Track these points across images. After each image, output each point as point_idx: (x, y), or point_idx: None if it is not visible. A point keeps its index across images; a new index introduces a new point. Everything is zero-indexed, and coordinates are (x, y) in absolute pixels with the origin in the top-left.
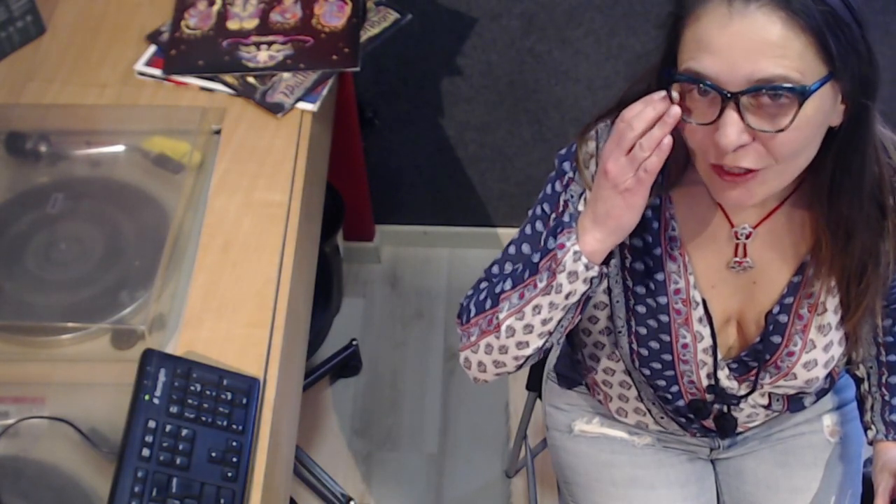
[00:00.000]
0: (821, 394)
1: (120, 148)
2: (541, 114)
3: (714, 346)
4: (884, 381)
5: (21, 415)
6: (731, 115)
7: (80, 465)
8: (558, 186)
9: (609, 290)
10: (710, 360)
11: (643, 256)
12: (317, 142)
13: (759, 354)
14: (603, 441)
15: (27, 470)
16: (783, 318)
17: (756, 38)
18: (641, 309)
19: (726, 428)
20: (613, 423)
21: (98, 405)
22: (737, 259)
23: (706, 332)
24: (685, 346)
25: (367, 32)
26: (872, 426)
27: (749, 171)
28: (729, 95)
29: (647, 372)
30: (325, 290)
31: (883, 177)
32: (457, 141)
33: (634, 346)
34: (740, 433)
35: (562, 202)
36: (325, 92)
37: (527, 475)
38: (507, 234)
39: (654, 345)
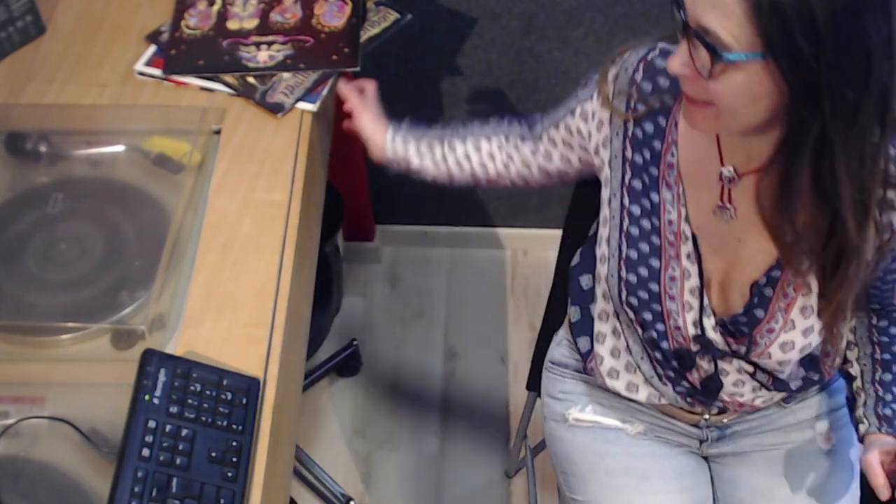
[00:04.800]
0: (808, 383)
1: (120, 148)
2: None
3: (701, 288)
4: (877, 377)
5: (21, 415)
6: (683, 44)
7: (80, 465)
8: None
9: (609, 204)
10: (696, 304)
11: (641, 174)
12: (317, 142)
13: (740, 327)
14: (597, 431)
15: (27, 470)
16: (768, 292)
17: None
18: (634, 231)
19: (711, 388)
20: (607, 411)
21: (98, 405)
22: (720, 203)
23: (694, 270)
24: (673, 278)
25: (368, 32)
26: (864, 420)
27: (705, 102)
28: (685, 25)
29: (635, 301)
30: (325, 290)
31: (876, 177)
32: None
33: (623, 272)
34: (727, 423)
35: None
36: (324, 92)
37: (527, 475)
38: (508, 234)
39: (643, 271)
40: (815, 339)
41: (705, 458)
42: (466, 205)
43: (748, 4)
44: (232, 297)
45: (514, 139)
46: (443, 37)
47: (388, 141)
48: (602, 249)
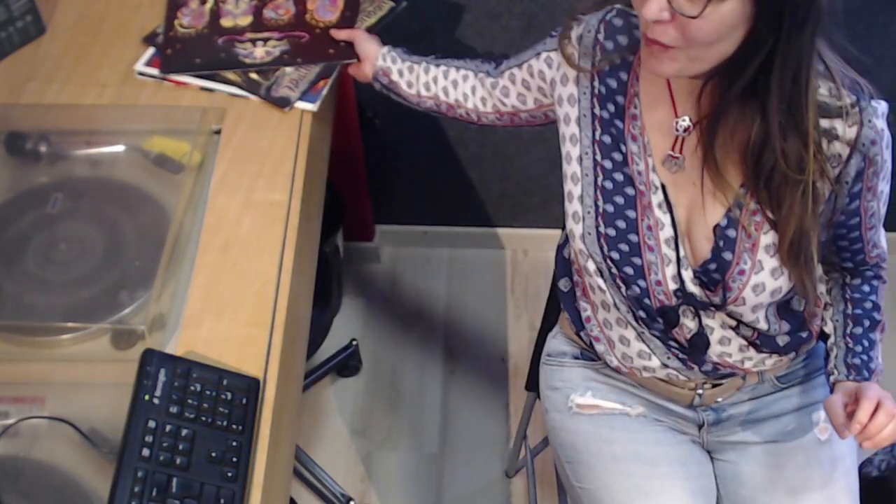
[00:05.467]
0: (797, 342)
1: (120, 148)
2: None
3: (675, 238)
4: (848, 331)
5: (21, 415)
6: None
7: (80, 465)
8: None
9: (580, 162)
10: (673, 257)
11: (609, 128)
12: (317, 142)
13: (711, 275)
14: (602, 418)
15: (27, 470)
16: (731, 233)
17: None
18: (608, 184)
19: (698, 344)
20: (606, 394)
21: (98, 405)
22: (671, 153)
23: (666, 219)
24: (649, 227)
25: (364, 23)
26: (835, 371)
27: (662, 44)
28: None
29: (616, 255)
30: (325, 290)
31: (807, 103)
32: (457, 141)
33: (602, 228)
34: (725, 411)
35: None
36: (324, 91)
37: (527, 475)
38: (508, 234)
39: (621, 223)
40: (784, 283)
41: (709, 452)
42: (466, 205)
43: None
44: (232, 297)
45: (480, 74)
46: (443, 37)
47: (380, 55)
48: (574, 206)
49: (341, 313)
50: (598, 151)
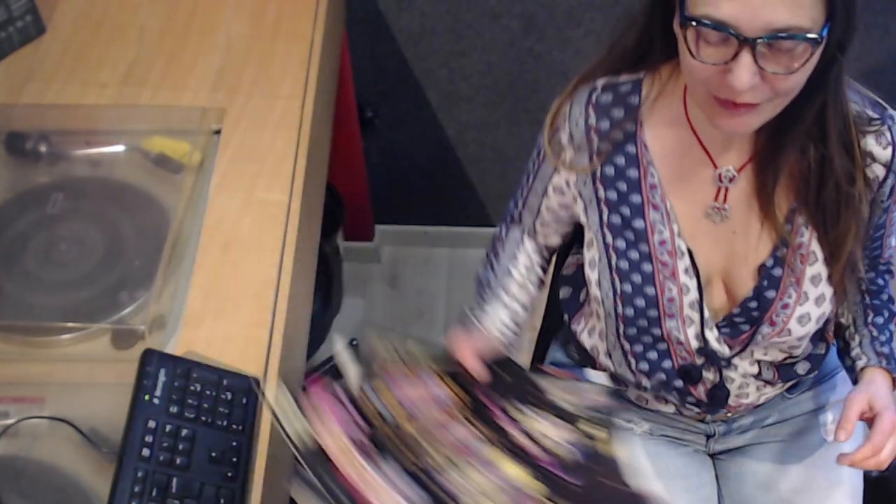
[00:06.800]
0: (814, 361)
1: (120, 148)
2: (541, 114)
3: (700, 300)
4: (870, 320)
5: (21, 415)
6: (746, 59)
7: (80, 465)
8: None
9: (593, 246)
10: (696, 318)
11: (619, 207)
12: (317, 142)
13: (751, 312)
14: None
15: (27, 470)
16: (777, 272)
17: None
18: (624, 265)
19: (718, 398)
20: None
21: (98, 405)
22: (716, 204)
23: (692, 284)
24: (671, 300)
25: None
26: (863, 356)
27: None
28: (745, 39)
29: (634, 332)
30: (325, 290)
31: (850, 120)
32: (457, 141)
33: (620, 308)
34: (732, 417)
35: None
36: None
37: None
38: None
39: (640, 302)
40: (828, 308)
41: (711, 456)
42: (466, 205)
43: None
44: (232, 297)
45: (522, 248)
46: (443, 37)
47: (496, 334)
48: (594, 291)
49: (341, 313)
50: (607, 233)
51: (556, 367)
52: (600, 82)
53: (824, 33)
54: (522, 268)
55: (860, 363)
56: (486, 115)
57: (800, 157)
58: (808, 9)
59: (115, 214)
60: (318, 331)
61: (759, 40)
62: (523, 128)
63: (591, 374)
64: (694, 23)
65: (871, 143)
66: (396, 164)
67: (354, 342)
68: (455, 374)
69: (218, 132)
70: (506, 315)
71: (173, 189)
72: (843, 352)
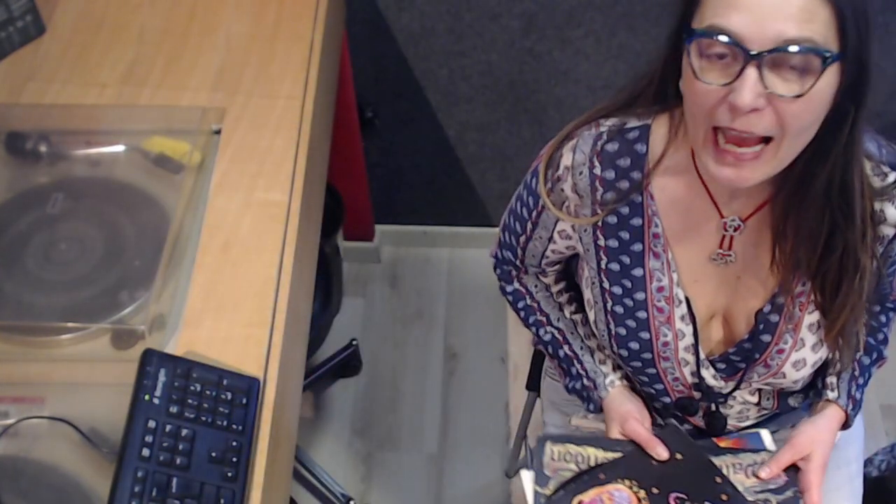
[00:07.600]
0: (810, 390)
1: (120, 148)
2: (541, 114)
3: (696, 345)
4: (857, 357)
5: (21, 415)
6: (751, 75)
7: (80, 465)
8: (530, 202)
9: (590, 289)
10: (692, 359)
11: (619, 255)
12: (317, 142)
13: (747, 353)
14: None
15: (27, 470)
16: (774, 318)
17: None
18: (619, 309)
19: (716, 426)
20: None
21: (98, 405)
22: (721, 251)
23: (688, 330)
24: (666, 344)
25: None
26: (836, 390)
27: (751, 151)
28: (752, 54)
29: (630, 370)
30: (325, 290)
31: (863, 184)
32: (457, 141)
33: (615, 348)
34: (731, 432)
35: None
36: None
37: None
38: None
39: (634, 345)
40: (824, 353)
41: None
42: (466, 205)
43: (832, 6)
44: (232, 297)
45: (551, 290)
46: (443, 37)
47: (627, 393)
48: (592, 328)
49: (341, 313)
50: (604, 280)
51: (727, 437)
52: (606, 128)
53: (837, 55)
54: (568, 312)
55: (830, 395)
56: (486, 115)
57: (820, 217)
58: (819, 24)
59: (115, 214)
60: (318, 331)
61: (765, 54)
62: (523, 128)
63: (766, 437)
64: (702, 35)
65: (887, 204)
66: (396, 164)
67: (354, 342)
68: (630, 460)
69: (218, 132)
70: (608, 367)
71: (173, 189)
72: (818, 370)
